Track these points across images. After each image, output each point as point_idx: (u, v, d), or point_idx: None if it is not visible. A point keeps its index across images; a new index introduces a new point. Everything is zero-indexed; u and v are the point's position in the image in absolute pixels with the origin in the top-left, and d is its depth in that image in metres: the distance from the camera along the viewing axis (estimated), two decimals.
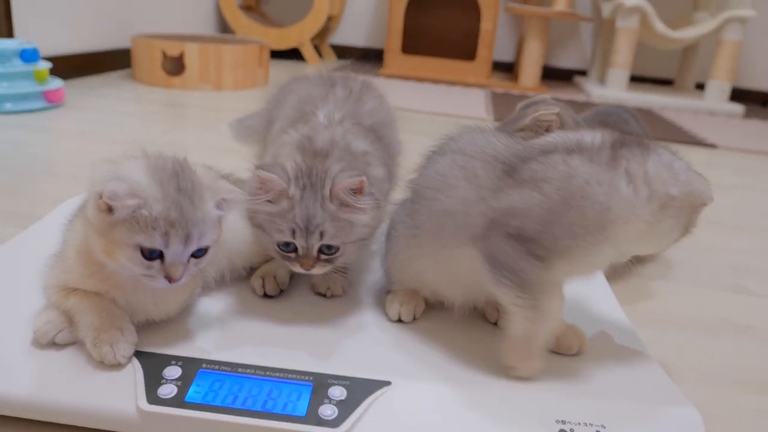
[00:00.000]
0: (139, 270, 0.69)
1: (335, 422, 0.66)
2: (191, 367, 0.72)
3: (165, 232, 0.68)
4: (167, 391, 0.68)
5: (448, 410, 0.70)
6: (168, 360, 0.73)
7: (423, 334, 0.85)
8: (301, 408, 0.68)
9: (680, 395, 0.76)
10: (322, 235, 0.80)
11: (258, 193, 0.81)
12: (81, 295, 0.74)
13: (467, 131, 0.85)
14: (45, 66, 2.21)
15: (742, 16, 3.52)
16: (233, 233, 0.91)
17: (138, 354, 0.73)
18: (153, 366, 0.71)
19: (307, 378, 0.72)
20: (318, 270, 0.83)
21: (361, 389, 0.71)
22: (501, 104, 3.28)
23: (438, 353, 0.81)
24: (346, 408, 0.68)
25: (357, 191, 0.80)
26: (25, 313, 0.79)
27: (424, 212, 0.82)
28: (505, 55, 4.64)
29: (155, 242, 0.68)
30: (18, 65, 2.13)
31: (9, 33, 2.45)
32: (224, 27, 4.33)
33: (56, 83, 2.27)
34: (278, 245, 0.82)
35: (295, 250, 0.82)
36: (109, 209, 0.67)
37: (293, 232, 0.80)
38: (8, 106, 2.11)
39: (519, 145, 0.79)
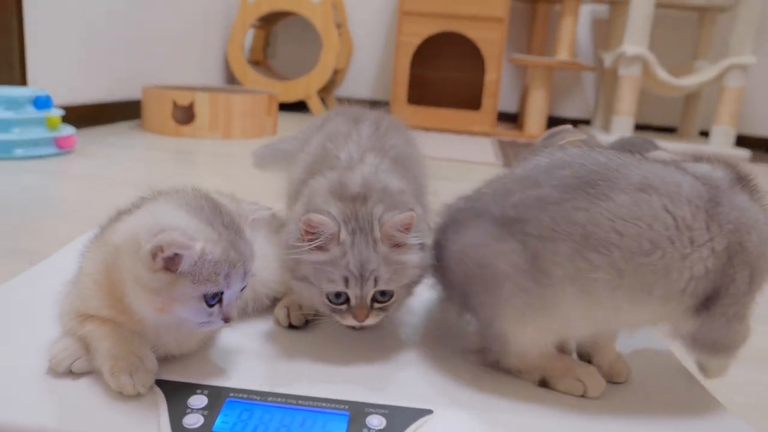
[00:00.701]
0: (201, 320, 0.65)
1: None
2: (218, 396, 0.67)
3: (227, 274, 0.64)
4: (193, 420, 0.63)
5: None
6: (192, 389, 0.68)
7: (461, 361, 0.80)
8: None
9: (720, 405, 0.72)
10: (376, 281, 0.75)
11: (304, 240, 0.75)
12: (98, 322, 0.69)
13: (619, 158, 0.71)
14: (57, 113, 2.22)
15: (743, 63, 3.57)
16: (258, 262, 0.87)
17: (160, 383, 0.68)
18: (177, 395, 0.66)
19: (342, 407, 0.67)
20: (372, 321, 0.77)
21: (401, 418, 0.66)
22: (508, 151, 3.28)
23: (479, 380, 0.76)
24: None
25: (407, 228, 0.76)
26: (39, 344, 0.74)
27: (598, 262, 0.67)
28: (510, 106, 4.69)
29: (220, 285, 0.64)
30: (31, 112, 2.14)
31: (23, 82, 2.48)
32: (232, 81, 4.40)
33: (67, 130, 2.27)
34: (328, 297, 0.76)
35: (347, 300, 0.76)
36: (167, 267, 0.62)
37: (346, 281, 0.74)
38: (20, 151, 2.11)
39: (697, 182, 0.70)
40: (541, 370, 0.75)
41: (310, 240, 0.74)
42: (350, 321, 0.77)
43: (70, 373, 0.69)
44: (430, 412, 0.67)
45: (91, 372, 0.69)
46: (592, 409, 0.71)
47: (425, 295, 0.87)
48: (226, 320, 0.67)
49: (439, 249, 0.80)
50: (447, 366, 0.80)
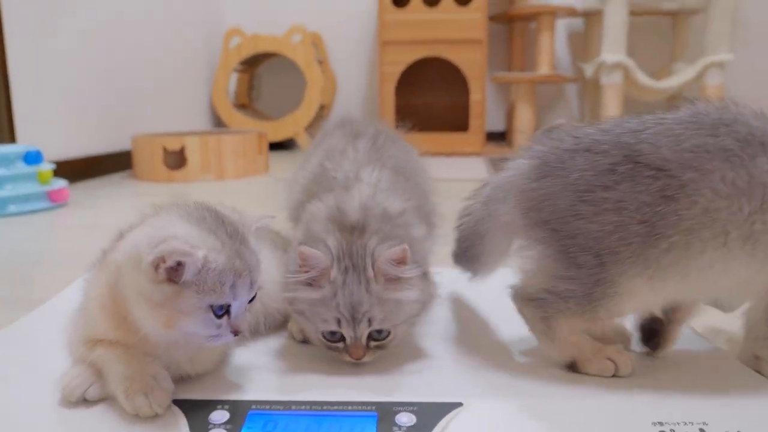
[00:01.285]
0: (209, 332, 0.63)
1: None
2: (239, 409, 0.65)
3: (233, 283, 0.63)
4: None
5: (533, 425, 0.62)
6: (212, 405, 0.65)
7: (486, 351, 0.78)
8: None
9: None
10: (370, 321, 0.72)
11: (300, 271, 0.73)
12: (107, 345, 0.67)
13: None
14: (48, 167, 2.21)
15: (721, 60, 3.63)
16: (265, 275, 0.86)
17: (177, 402, 0.66)
18: (196, 412, 0.64)
19: (369, 408, 0.65)
20: (369, 358, 0.75)
21: (431, 413, 0.63)
22: (499, 167, 3.29)
23: (507, 369, 0.74)
24: None
25: (400, 261, 0.73)
26: (47, 381, 0.71)
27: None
28: (496, 125, 4.73)
29: (226, 296, 0.62)
30: (21, 168, 2.13)
31: (11, 141, 2.47)
32: (219, 126, 4.42)
33: (60, 183, 2.26)
34: (323, 335, 0.74)
35: (343, 338, 0.74)
36: (169, 278, 0.61)
37: (338, 321, 0.72)
38: (12, 208, 2.09)
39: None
40: (575, 349, 0.72)
41: (305, 272, 0.73)
42: (348, 359, 0.74)
43: (84, 402, 0.66)
44: (459, 404, 0.65)
45: (105, 398, 0.66)
46: (636, 387, 0.69)
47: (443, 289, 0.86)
48: (236, 333, 0.65)
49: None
50: (472, 358, 0.77)
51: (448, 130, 4.27)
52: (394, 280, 0.73)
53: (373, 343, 0.74)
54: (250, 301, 0.68)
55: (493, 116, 4.71)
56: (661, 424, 0.61)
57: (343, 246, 0.74)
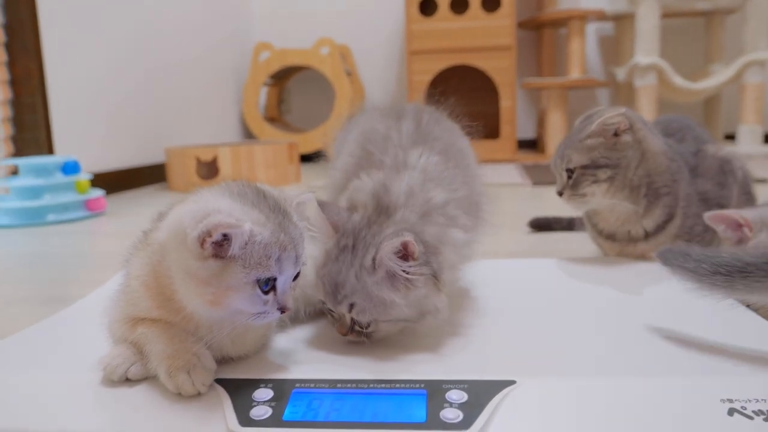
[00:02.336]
0: (255, 309, 0.62)
1: (463, 424, 0.55)
2: (283, 388, 0.62)
3: (278, 257, 0.61)
4: (261, 412, 0.58)
5: (592, 405, 0.58)
6: (256, 384, 0.63)
7: (532, 329, 0.75)
8: (419, 414, 0.57)
9: None
10: (351, 307, 0.70)
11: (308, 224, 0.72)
12: (149, 323, 0.66)
13: None
14: (86, 177, 2.24)
15: (761, 58, 3.54)
16: (307, 261, 0.84)
17: (220, 381, 0.64)
18: (240, 391, 0.62)
19: (418, 386, 0.62)
20: (354, 339, 0.72)
21: (483, 391, 0.60)
22: (533, 172, 3.25)
23: (562, 346, 0.71)
24: (472, 410, 0.57)
25: (405, 255, 0.68)
26: (87, 366, 0.69)
27: None
28: (527, 133, 4.68)
29: (272, 270, 0.61)
30: (60, 178, 2.17)
31: (50, 153, 2.52)
32: (250, 138, 4.46)
33: (96, 192, 2.29)
34: (322, 300, 0.73)
35: (331, 312, 0.73)
36: (215, 254, 0.59)
37: (324, 293, 0.72)
38: (51, 217, 2.12)
39: None
40: None
41: (315, 228, 0.73)
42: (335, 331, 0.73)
43: (126, 381, 0.65)
44: (512, 382, 0.62)
45: (147, 378, 0.65)
46: (699, 365, 0.65)
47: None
48: (282, 309, 0.63)
49: None
50: (523, 336, 0.74)
51: (479, 137, 4.24)
52: (395, 278, 0.68)
53: (356, 327, 0.72)
54: (295, 278, 0.66)
55: (524, 124, 4.67)
56: (730, 401, 0.58)
57: (362, 224, 0.72)
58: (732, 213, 0.88)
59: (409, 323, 0.72)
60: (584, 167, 1.06)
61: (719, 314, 0.79)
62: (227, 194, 0.64)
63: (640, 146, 1.06)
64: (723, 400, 0.58)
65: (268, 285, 0.62)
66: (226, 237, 0.59)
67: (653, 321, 0.79)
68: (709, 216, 0.89)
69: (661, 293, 0.91)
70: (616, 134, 1.06)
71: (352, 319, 0.71)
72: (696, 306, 0.84)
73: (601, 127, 1.06)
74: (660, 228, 1.07)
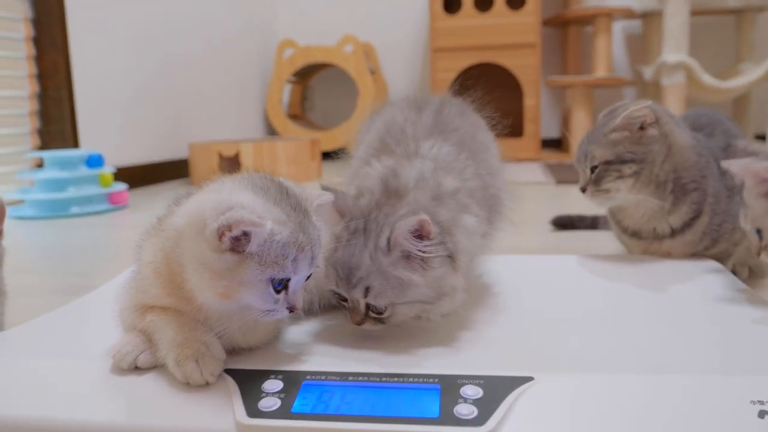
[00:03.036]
0: (265, 307, 0.61)
1: (477, 420, 0.53)
2: (294, 380, 0.61)
3: (295, 258, 0.60)
4: (269, 404, 0.57)
5: (616, 404, 0.56)
6: (266, 375, 0.62)
7: (550, 325, 0.72)
8: (432, 410, 0.55)
9: None
10: (367, 291, 0.67)
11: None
12: (158, 311, 0.65)
13: None
14: (109, 170, 2.26)
15: None
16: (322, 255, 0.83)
17: (229, 372, 0.63)
18: (249, 381, 0.61)
19: (432, 380, 0.60)
20: (369, 327, 0.70)
21: (499, 386, 0.58)
22: (557, 171, 3.20)
23: (582, 343, 0.68)
24: (487, 406, 0.55)
25: (421, 235, 0.66)
26: (99, 353, 0.69)
27: None
28: (551, 132, 4.62)
29: (287, 270, 0.60)
30: (84, 171, 2.19)
31: (75, 146, 2.55)
32: (272, 135, 4.48)
33: (120, 186, 2.31)
34: (332, 290, 0.71)
35: (341, 297, 0.70)
36: (233, 248, 0.58)
37: (336, 280, 0.69)
38: (75, 209, 2.14)
39: None
40: None
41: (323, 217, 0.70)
42: (350, 322, 0.70)
43: (135, 369, 0.64)
44: (530, 379, 0.60)
45: (156, 366, 0.64)
46: (713, 368, 0.62)
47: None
48: (291, 309, 0.62)
49: None
50: (541, 331, 0.72)
51: (502, 136, 4.20)
52: (411, 258, 0.67)
53: (372, 314, 0.69)
54: (308, 278, 0.65)
55: (548, 123, 4.61)
56: (761, 402, 0.55)
57: (371, 206, 0.70)
58: (760, 167, 0.80)
59: (426, 305, 0.69)
60: (608, 162, 1.03)
61: (749, 314, 0.76)
62: (250, 188, 0.63)
63: (666, 140, 1.03)
64: (753, 402, 0.55)
65: (281, 284, 0.61)
66: (245, 234, 0.58)
67: (678, 319, 0.76)
68: (736, 167, 0.82)
69: (686, 292, 0.88)
70: (641, 128, 1.03)
71: (366, 305, 0.68)
72: (724, 305, 0.81)
73: (627, 120, 1.03)
74: (687, 225, 1.04)
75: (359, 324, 0.69)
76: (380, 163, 0.78)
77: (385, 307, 0.68)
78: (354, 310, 0.69)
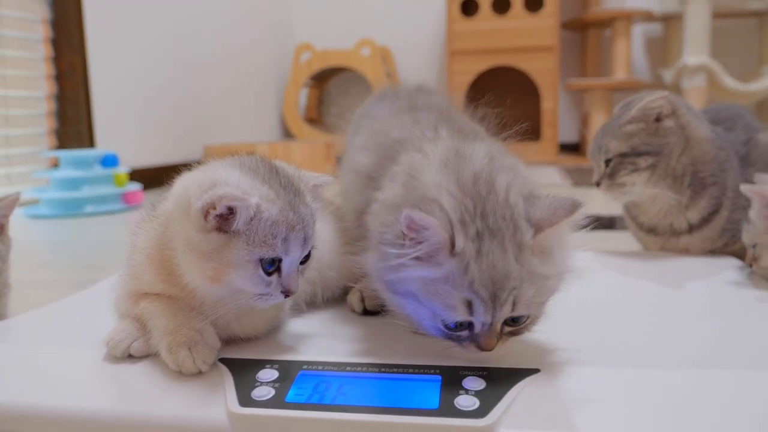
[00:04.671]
0: (256, 290, 0.58)
1: (479, 413, 0.51)
2: (289, 369, 0.59)
3: (285, 237, 0.58)
4: (263, 393, 0.55)
5: (629, 398, 0.53)
6: (261, 364, 0.60)
7: (557, 318, 0.69)
8: (432, 401, 0.53)
9: None
10: (515, 303, 0.55)
11: (405, 243, 0.55)
12: (152, 298, 0.63)
13: None
14: (124, 170, 2.27)
15: None
16: (325, 245, 0.80)
17: (224, 361, 0.61)
18: (244, 370, 0.59)
19: (432, 371, 0.58)
20: (500, 347, 0.58)
21: (503, 378, 0.56)
22: (575, 175, 3.16)
23: (587, 336, 0.65)
24: (489, 398, 0.53)
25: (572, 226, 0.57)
26: (94, 342, 0.67)
27: None
28: (569, 136, 4.57)
29: (277, 250, 0.57)
30: (98, 170, 2.20)
31: (91, 147, 2.57)
32: (289, 138, 4.48)
33: (134, 186, 2.31)
34: (444, 324, 0.57)
35: (469, 327, 0.57)
36: (219, 227, 0.56)
37: (469, 305, 0.55)
38: (89, 208, 2.15)
39: None
40: None
41: (414, 245, 0.55)
42: (473, 352, 0.57)
43: (129, 358, 0.62)
44: (537, 371, 0.57)
45: (150, 355, 0.62)
46: (726, 363, 0.59)
47: None
48: (287, 293, 0.60)
49: None
50: (548, 324, 0.69)
51: (519, 139, 4.16)
52: (551, 251, 0.57)
53: (507, 329, 0.57)
54: (304, 261, 0.62)
55: (566, 127, 4.56)
56: None
57: (468, 204, 0.56)
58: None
59: (556, 292, 0.60)
60: (623, 155, 1.00)
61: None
62: (237, 167, 0.62)
63: (683, 132, 0.99)
64: None
65: (272, 266, 0.58)
66: (231, 210, 0.56)
67: (690, 314, 0.73)
68: (747, 189, 0.86)
69: (701, 287, 0.85)
70: (657, 119, 1.00)
71: (503, 321, 0.57)
72: (743, 302, 0.78)
73: (643, 111, 1.00)
74: (705, 220, 1.00)
75: (492, 348, 0.57)
76: (426, 150, 0.65)
77: (528, 315, 0.57)
78: (487, 333, 0.56)
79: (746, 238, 0.88)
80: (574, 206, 0.56)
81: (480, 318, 0.55)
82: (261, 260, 0.57)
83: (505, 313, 0.55)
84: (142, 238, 0.65)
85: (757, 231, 0.85)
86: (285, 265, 0.59)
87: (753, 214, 0.86)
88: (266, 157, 0.67)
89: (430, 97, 0.89)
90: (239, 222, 0.56)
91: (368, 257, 0.61)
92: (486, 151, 0.62)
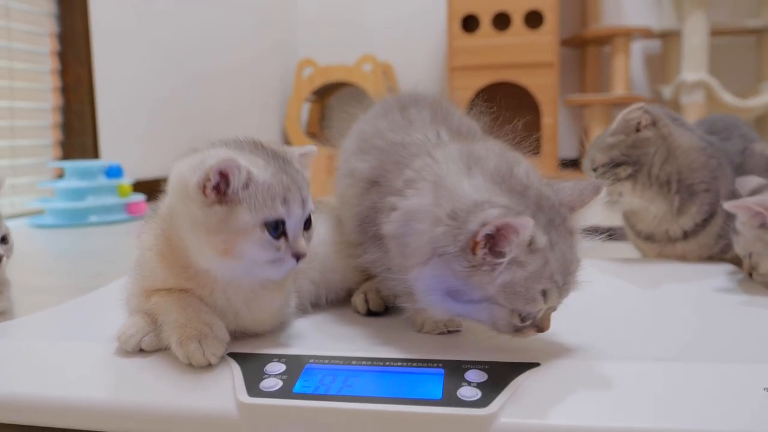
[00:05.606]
0: (268, 255, 0.60)
1: (480, 403, 0.52)
2: (296, 363, 0.61)
3: (284, 197, 0.60)
4: (271, 384, 0.57)
5: (624, 391, 0.55)
6: (269, 358, 0.62)
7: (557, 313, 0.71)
8: (435, 392, 0.54)
9: None
10: (573, 283, 0.60)
11: (477, 255, 0.55)
12: (163, 293, 0.65)
13: None
14: (128, 181, 2.29)
15: None
16: (327, 246, 0.83)
17: (233, 355, 0.63)
18: (252, 364, 0.60)
19: (435, 365, 0.59)
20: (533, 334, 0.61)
21: (504, 372, 0.57)
22: None
23: (586, 330, 0.67)
24: (491, 390, 0.54)
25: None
26: (103, 339, 0.69)
27: None
28: (570, 152, 4.60)
29: (279, 211, 0.60)
30: (103, 181, 2.22)
31: (96, 159, 2.59)
32: None
33: (138, 197, 2.33)
34: (521, 317, 0.58)
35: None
36: (219, 199, 0.59)
37: (544, 294, 0.57)
38: (93, 218, 2.17)
39: None
40: None
41: (495, 254, 0.55)
42: (531, 335, 0.60)
43: (140, 352, 0.64)
44: (536, 364, 0.59)
45: (160, 349, 0.64)
46: (725, 356, 0.61)
47: None
48: (297, 257, 0.62)
49: None
50: (553, 319, 0.71)
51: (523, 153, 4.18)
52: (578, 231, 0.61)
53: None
54: (308, 228, 0.64)
55: (566, 143, 4.59)
56: None
57: (514, 199, 0.57)
58: (749, 202, 0.87)
59: None
60: (605, 165, 1.04)
61: (763, 311, 0.75)
62: (224, 145, 0.66)
63: (665, 142, 1.03)
64: (766, 389, 0.53)
65: (277, 230, 0.61)
66: (224, 177, 0.58)
67: (687, 312, 0.75)
68: (730, 206, 0.88)
69: (696, 288, 0.87)
70: (637, 130, 1.03)
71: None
72: (732, 303, 0.80)
73: (623, 123, 1.03)
74: (699, 227, 1.02)
75: (546, 329, 0.60)
76: (438, 156, 0.65)
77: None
78: (547, 316, 0.60)
79: (738, 249, 0.90)
80: (599, 187, 0.60)
81: (552, 303, 0.58)
82: (265, 224, 0.60)
83: (570, 293, 0.59)
84: (148, 236, 0.67)
85: (747, 241, 0.87)
86: (289, 227, 0.61)
87: (739, 225, 0.89)
88: (248, 137, 0.70)
89: (417, 95, 0.89)
90: (235, 186, 0.59)
91: (417, 272, 0.59)
92: (495, 148, 0.65)
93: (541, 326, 0.60)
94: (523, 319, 0.58)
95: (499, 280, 0.55)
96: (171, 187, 0.63)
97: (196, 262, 0.62)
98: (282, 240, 0.61)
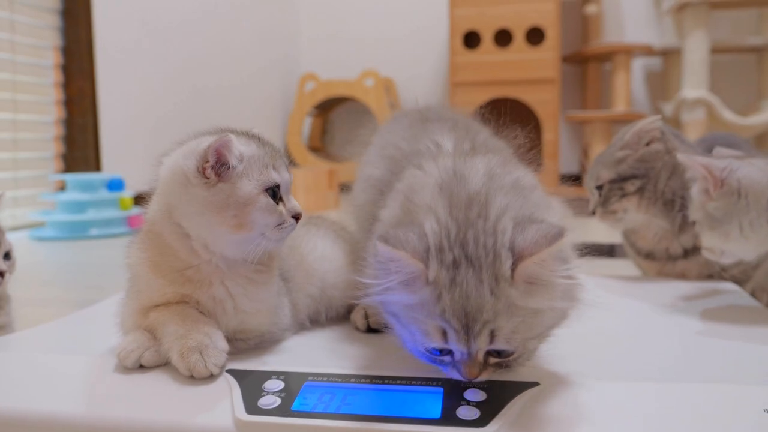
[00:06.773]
0: (274, 219, 0.65)
1: (479, 422, 0.52)
2: (295, 380, 0.60)
3: (273, 165, 0.67)
4: (269, 401, 0.56)
5: (626, 412, 0.55)
6: (268, 375, 0.61)
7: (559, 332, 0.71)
8: (434, 411, 0.54)
9: None
10: (493, 336, 0.53)
11: (383, 269, 0.55)
12: (161, 308, 0.66)
13: None
14: (129, 194, 2.30)
15: None
16: (326, 262, 0.83)
17: (232, 372, 0.62)
18: (251, 381, 0.60)
19: (435, 384, 0.59)
20: (485, 377, 0.56)
21: (503, 391, 0.57)
22: (575, 205, 3.18)
23: (587, 350, 0.67)
24: (490, 409, 0.54)
25: (558, 257, 0.54)
26: (103, 353, 0.69)
27: None
28: (571, 167, 4.61)
29: (273, 176, 0.66)
30: (104, 194, 2.23)
31: (97, 171, 2.60)
32: (292, 166, 4.52)
33: (138, 210, 2.34)
34: (426, 349, 0.56)
35: (451, 354, 0.55)
36: (219, 176, 0.63)
37: (444, 334, 0.53)
38: (94, 231, 2.17)
39: None
40: None
41: (393, 271, 0.54)
42: (456, 376, 0.56)
43: (140, 368, 0.64)
44: (536, 384, 0.58)
45: (161, 365, 0.64)
46: (727, 377, 0.61)
47: None
48: (297, 217, 0.68)
49: None
50: (551, 340, 0.70)
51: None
52: (539, 282, 0.54)
53: (492, 360, 0.56)
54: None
55: (567, 159, 4.60)
56: None
57: (452, 229, 0.54)
58: (699, 160, 0.83)
59: (555, 326, 0.58)
60: (612, 182, 1.04)
61: (763, 331, 0.74)
62: (205, 134, 0.70)
63: (671, 157, 1.03)
64: (767, 410, 0.53)
65: (275, 196, 0.66)
66: (219, 153, 0.63)
67: (688, 333, 0.75)
68: (683, 157, 0.85)
69: (698, 307, 0.86)
70: (648, 143, 1.03)
71: (487, 352, 0.55)
72: (737, 321, 0.79)
73: (638, 135, 1.03)
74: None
75: (476, 376, 0.55)
76: (426, 169, 0.64)
77: (515, 349, 0.55)
78: (468, 362, 0.55)
79: (691, 213, 0.86)
80: (557, 235, 0.51)
81: (455, 347, 0.54)
82: (266, 189, 0.65)
83: (482, 345, 0.53)
84: (136, 253, 0.68)
85: (694, 206, 0.81)
86: (283, 191, 0.67)
87: (694, 190, 0.84)
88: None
89: (442, 110, 0.89)
90: (232, 159, 0.63)
91: (367, 274, 0.60)
92: (486, 169, 0.60)
93: (460, 371, 0.55)
94: (429, 351, 0.56)
95: (395, 298, 0.55)
96: (166, 181, 0.66)
97: (201, 250, 0.65)
98: (281, 204, 0.66)
